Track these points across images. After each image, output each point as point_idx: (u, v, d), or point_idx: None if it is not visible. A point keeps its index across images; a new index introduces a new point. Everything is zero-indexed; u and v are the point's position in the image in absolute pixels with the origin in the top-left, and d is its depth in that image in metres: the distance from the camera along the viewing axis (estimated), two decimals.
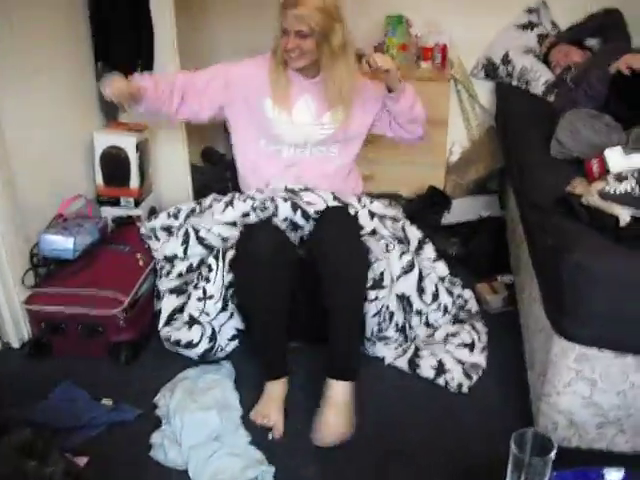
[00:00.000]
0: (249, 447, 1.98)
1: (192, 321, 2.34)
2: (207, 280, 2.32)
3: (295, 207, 2.29)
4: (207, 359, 2.36)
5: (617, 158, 2.02)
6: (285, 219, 2.31)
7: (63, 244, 2.43)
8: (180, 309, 2.42)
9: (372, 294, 2.27)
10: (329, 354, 2.13)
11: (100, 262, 2.49)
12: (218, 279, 2.30)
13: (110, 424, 2.09)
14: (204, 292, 2.32)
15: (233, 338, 2.40)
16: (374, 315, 2.30)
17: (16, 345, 2.48)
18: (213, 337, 2.34)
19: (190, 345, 2.33)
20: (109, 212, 2.88)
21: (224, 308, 2.35)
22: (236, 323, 2.39)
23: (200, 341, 2.32)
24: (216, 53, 3.70)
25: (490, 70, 3.52)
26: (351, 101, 2.38)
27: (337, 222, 2.23)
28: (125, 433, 2.07)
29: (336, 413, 2.03)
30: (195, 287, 2.36)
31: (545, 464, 1.15)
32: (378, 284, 2.27)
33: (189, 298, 2.38)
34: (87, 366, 2.35)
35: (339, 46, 2.30)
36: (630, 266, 1.65)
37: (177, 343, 2.35)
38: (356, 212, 2.35)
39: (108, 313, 2.32)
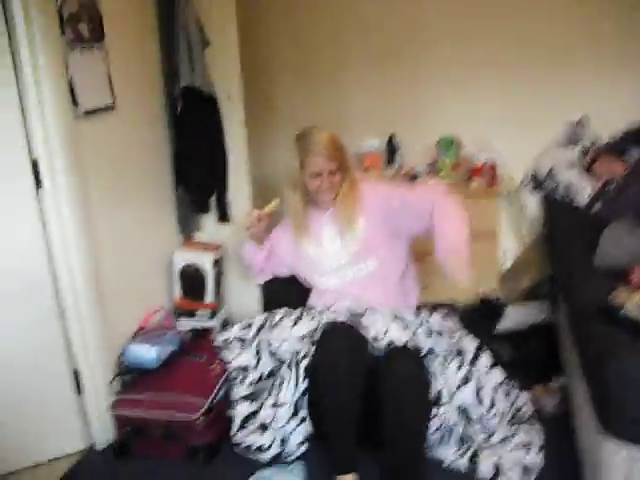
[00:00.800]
0: None
1: (264, 428, 2.52)
2: (279, 389, 2.50)
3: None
4: (277, 463, 2.52)
5: None
6: None
7: (147, 354, 2.67)
8: (253, 415, 2.58)
9: (433, 410, 2.41)
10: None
11: (179, 371, 2.71)
12: (291, 387, 2.47)
13: None
14: (276, 400, 2.50)
15: (302, 443, 2.54)
16: (435, 431, 2.44)
17: (101, 447, 2.68)
18: (283, 443, 2.51)
19: (261, 450, 2.50)
20: (185, 323, 3.12)
21: (295, 414, 2.50)
22: (306, 428, 2.52)
23: (271, 446, 2.50)
24: (278, 168, 4.03)
25: (537, 184, 3.72)
26: (358, 215, 2.64)
27: (403, 366, 2.32)
28: None
29: None
30: (268, 395, 2.54)
31: None
32: (436, 402, 2.43)
33: (262, 406, 2.55)
34: (167, 466, 2.53)
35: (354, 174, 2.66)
36: None
37: (248, 448, 2.52)
38: (420, 350, 2.44)
39: (188, 418, 2.51)
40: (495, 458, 2.43)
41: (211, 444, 2.59)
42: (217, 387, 2.68)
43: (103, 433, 2.67)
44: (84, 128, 2.47)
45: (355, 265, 2.67)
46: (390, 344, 2.39)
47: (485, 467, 2.41)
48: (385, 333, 2.42)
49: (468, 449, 2.50)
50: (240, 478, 2.43)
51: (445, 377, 2.48)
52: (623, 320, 1.99)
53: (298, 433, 2.53)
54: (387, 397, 2.27)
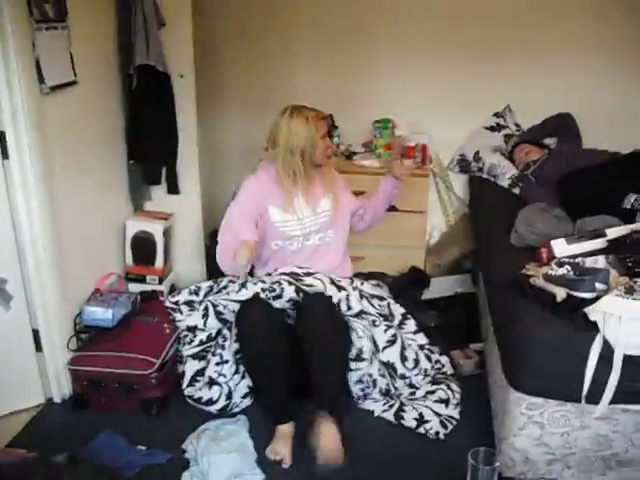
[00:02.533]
0: None
1: (211, 382, 2.78)
2: (223, 348, 2.79)
3: (298, 291, 2.74)
4: (224, 414, 2.78)
5: (561, 246, 2.51)
6: (289, 300, 2.76)
7: (103, 314, 2.86)
8: (201, 372, 2.84)
9: (353, 365, 2.73)
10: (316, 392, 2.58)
11: (133, 330, 2.92)
12: (232, 347, 2.76)
13: (145, 466, 2.46)
14: (221, 357, 2.78)
15: (245, 396, 2.83)
16: (356, 382, 2.77)
17: (58, 400, 2.87)
18: (229, 396, 2.78)
19: (210, 402, 2.77)
20: (136, 287, 3.33)
21: (237, 371, 2.79)
22: (248, 382, 2.80)
23: (219, 399, 2.77)
24: (227, 143, 4.26)
25: (464, 165, 4.04)
26: (334, 187, 2.93)
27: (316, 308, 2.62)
28: (159, 473, 2.44)
29: (329, 439, 2.42)
30: (213, 354, 2.82)
31: (492, 472, 1.59)
32: (358, 358, 2.72)
33: (208, 363, 2.82)
34: (122, 418, 2.74)
35: None
36: (563, 333, 2.10)
37: (199, 400, 2.78)
38: (339, 301, 2.70)
39: (142, 373, 2.73)
40: (418, 411, 2.75)
41: (163, 397, 2.82)
42: (168, 345, 2.90)
43: (61, 388, 2.86)
44: (49, 103, 2.62)
45: (319, 233, 2.91)
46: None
47: (409, 418, 2.72)
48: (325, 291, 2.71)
49: (395, 403, 2.81)
50: (190, 428, 2.66)
51: (371, 336, 2.77)
52: (529, 290, 2.30)
53: (241, 387, 2.81)
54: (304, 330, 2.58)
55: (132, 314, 3.01)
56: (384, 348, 2.81)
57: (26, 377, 2.82)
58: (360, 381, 2.77)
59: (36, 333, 2.79)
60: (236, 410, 2.81)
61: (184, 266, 3.62)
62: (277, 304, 2.72)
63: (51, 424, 2.76)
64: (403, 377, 2.86)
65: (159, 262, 3.35)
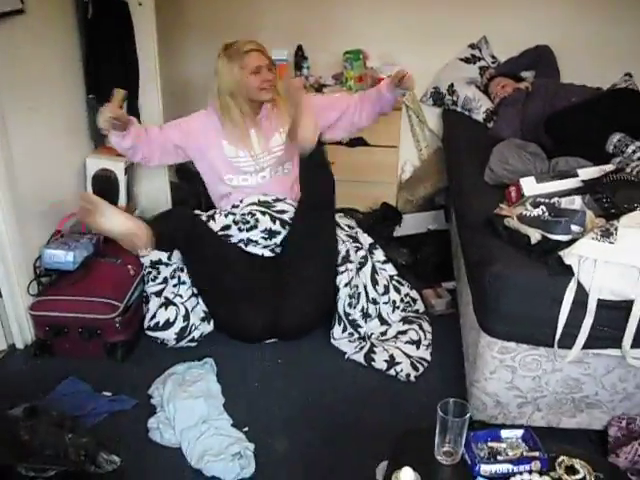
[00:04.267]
0: (231, 428, 2.34)
1: (168, 302, 2.77)
2: (182, 270, 2.79)
3: (273, 218, 2.70)
4: (183, 340, 2.76)
5: (530, 185, 2.42)
6: (264, 229, 2.71)
7: (64, 257, 2.76)
8: (158, 294, 2.83)
9: (342, 268, 2.73)
10: None
11: (96, 273, 2.82)
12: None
13: (111, 413, 2.42)
14: (179, 279, 2.79)
15: (204, 319, 2.82)
16: (345, 285, 2.73)
17: (21, 346, 2.79)
18: (187, 317, 2.76)
19: (167, 324, 2.74)
20: None
21: (194, 294, 2.80)
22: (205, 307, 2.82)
23: (175, 320, 2.74)
24: (192, 74, 4.07)
25: (437, 98, 3.92)
26: (287, 119, 2.82)
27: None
28: (125, 419, 2.40)
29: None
30: (172, 276, 2.80)
31: (463, 423, 1.55)
32: (346, 259, 2.74)
33: (166, 283, 2.80)
34: (87, 364, 2.68)
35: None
36: (537, 277, 2.04)
37: (156, 327, 2.75)
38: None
39: (105, 317, 2.66)
40: (388, 352, 2.71)
41: (128, 341, 2.76)
42: (132, 288, 2.83)
43: (23, 333, 2.79)
44: None
45: (275, 168, 2.89)
46: None
47: (379, 360, 2.68)
48: None
49: (366, 344, 2.77)
50: (156, 373, 2.61)
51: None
52: (503, 231, 2.23)
53: (199, 310, 2.82)
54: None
55: (94, 256, 2.91)
56: (356, 270, 2.81)
57: None
58: (349, 285, 2.73)
59: None
60: (196, 335, 2.78)
61: (149, 204, 3.50)
62: (252, 236, 2.74)
63: (13, 371, 2.70)
64: (375, 302, 2.85)
65: (122, 200, 3.23)
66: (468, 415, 1.57)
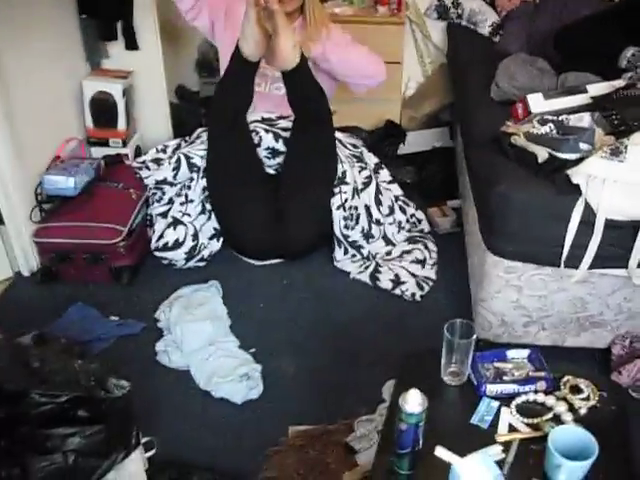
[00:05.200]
0: (238, 350, 2.37)
1: (176, 222, 2.74)
2: (188, 188, 2.75)
3: (277, 137, 2.66)
4: (193, 259, 2.75)
5: (537, 102, 2.35)
6: (267, 148, 2.67)
7: (65, 183, 2.72)
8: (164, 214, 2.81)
9: (336, 189, 2.68)
10: None
11: (98, 198, 2.79)
12: (198, 186, 2.73)
13: (119, 337, 2.44)
14: (186, 197, 2.75)
15: (213, 237, 2.79)
16: (338, 207, 2.68)
17: (26, 274, 2.79)
18: (195, 236, 2.74)
19: (177, 244, 2.72)
20: (99, 152, 3.17)
21: (203, 211, 2.76)
22: (213, 225, 2.78)
23: (184, 240, 2.72)
24: None
25: (442, 11, 3.79)
26: (321, 38, 2.73)
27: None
28: (133, 343, 2.42)
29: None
30: (178, 195, 2.77)
31: (469, 345, 1.56)
32: (341, 180, 2.69)
33: (173, 203, 2.77)
34: (93, 289, 2.69)
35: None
36: (544, 196, 2.02)
37: (165, 246, 2.73)
38: None
39: (109, 242, 2.65)
40: (394, 272, 2.71)
41: (134, 265, 2.76)
42: (136, 211, 2.80)
43: (28, 261, 2.78)
44: None
45: (277, 82, 2.77)
46: None
47: (384, 279, 2.69)
48: None
49: (370, 264, 2.78)
50: (162, 296, 2.62)
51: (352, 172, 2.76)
52: (510, 150, 2.19)
53: (208, 228, 2.78)
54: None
55: (96, 180, 2.87)
56: (361, 190, 2.77)
57: None
58: (343, 207, 2.70)
59: None
60: (205, 253, 2.78)
61: (149, 126, 3.44)
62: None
63: (20, 298, 2.70)
64: (378, 223, 2.82)
65: (121, 124, 3.17)
66: (474, 336, 1.57)
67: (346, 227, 2.73)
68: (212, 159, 2.71)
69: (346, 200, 2.69)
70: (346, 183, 2.70)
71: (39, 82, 2.81)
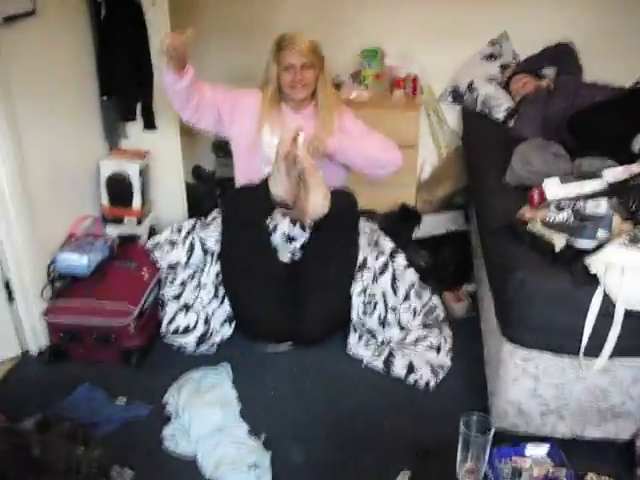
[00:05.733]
0: (248, 437, 2.29)
1: (187, 307, 2.72)
2: (202, 271, 2.74)
3: (294, 222, 2.65)
4: (203, 344, 2.71)
5: (553, 188, 2.35)
6: (283, 233, 2.67)
7: (78, 261, 2.72)
8: (177, 297, 2.78)
9: (358, 275, 2.67)
10: None
11: (110, 277, 2.78)
12: (212, 271, 2.73)
13: (125, 420, 2.38)
14: (199, 282, 2.73)
15: (224, 323, 2.75)
16: (359, 293, 2.67)
17: (35, 352, 2.75)
18: (207, 322, 2.71)
19: (187, 330, 2.69)
20: (114, 229, 3.18)
21: (216, 295, 2.73)
22: (225, 309, 2.75)
23: (196, 325, 2.69)
24: (207, 75, 3.99)
25: (457, 96, 3.85)
26: (333, 128, 2.78)
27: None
28: (139, 427, 2.36)
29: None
30: (191, 278, 2.76)
31: (486, 440, 1.50)
32: (362, 266, 2.69)
33: (185, 286, 2.76)
34: (101, 370, 2.64)
35: (328, 78, 2.80)
36: (562, 284, 1.98)
37: (176, 331, 2.70)
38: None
39: (120, 323, 2.62)
40: (408, 358, 2.65)
41: (143, 347, 2.72)
42: (148, 291, 2.78)
43: (38, 339, 2.74)
44: (4, 36, 2.41)
45: None
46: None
47: (399, 366, 2.63)
48: None
49: (384, 350, 2.72)
50: (171, 379, 2.56)
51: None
52: (526, 237, 2.16)
53: (220, 313, 2.75)
54: None
55: (109, 259, 2.87)
56: (377, 276, 2.75)
57: (0, 329, 2.69)
58: (364, 293, 2.68)
59: (7, 283, 2.65)
60: (216, 339, 2.74)
61: (164, 206, 3.46)
62: (272, 240, 2.72)
63: (28, 377, 2.66)
64: (394, 310, 2.77)
65: (137, 203, 3.19)
66: (492, 432, 1.51)
67: (364, 313, 2.69)
68: (226, 246, 2.71)
69: (367, 286, 2.68)
70: (367, 269, 2.69)
71: (58, 160, 2.86)
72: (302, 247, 2.74)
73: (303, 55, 2.68)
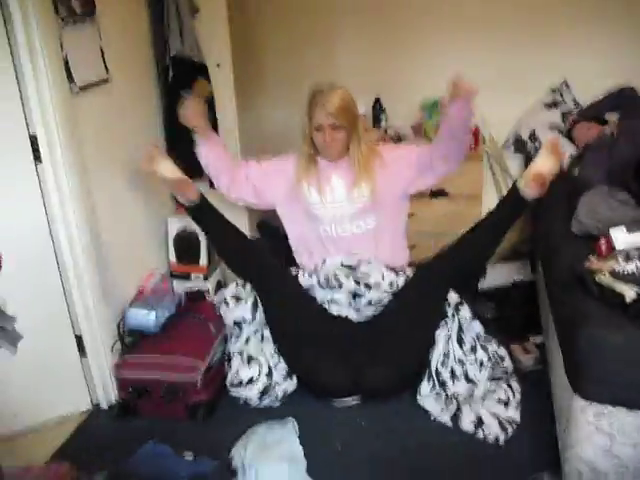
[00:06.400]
0: None
1: (250, 359, 2.74)
2: (266, 327, 2.78)
3: (357, 282, 2.67)
4: (267, 396, 2.72)
5: (621, 236, 2.30)
6: (349, 292, 2.68)
7: (147, 317, 2.79)
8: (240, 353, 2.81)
9: (442, 322, 2.67)
10: None
11: (178, 332, 2.84)
12: None
13: (192, 476, 2.38)
14: (262, 336, 2.77)
15: (287, 377, 2.77)
16: (444, 340, 2.67)
17: (105, 406, 2.82)
18: (270, 374, 2.72)
19: (250, 382, 2.70)
20: (181, 285, 3.25)
21: (277, 351, 2.78)
22: None
23: (259, 377, 2.70)
24: (271, 132, 4.12)
25: (519, 146, 3.82)
26: (374, 174, 2.79)
27: None
28: None
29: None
30: (255, 332, 2.79)
31: None
32: (446, 314, 2.70)
33: (248, 342, 2.79)
34: (168, 425, 2.67)
35: (362, 132, 2.79)
36: (634, 337, 1.92)
37: (239, 384, 2.71)
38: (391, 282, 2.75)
39: (187, 378, 2.66)
40: (476, 412, 2.60)
41: (210, 401, 2.74)
42: (215, 346, 2.82)
43: (107, 393, 2.81)
44: (80, 102, 2.54)
45: (355, 221, 2.84)
46: (392, 284, 2.72)
47: (466, 421, 2.58)
48: (383, 278, 2.71)
49: (452, 403, 2.67)
50: (237, 434, 2.56)
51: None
52: (595, 288, 2.11)
53: (282, 366, 2.77)
54: None
55: (177, 315, 2.93)
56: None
57: (72, 383, 2.79)
58: (447, 341, 2.68)
59: (79, 339, 2.73)
60: (279, 392, 2.74)
61: None
62: (335, 296, 2.75)
63: (97, 431, 2.72)
64: (461, 362, 2.72)
65: (203, 260, 3.26)
66: None
67: (442, 364, 2.67)
68: (270, 315, 2.80)
69: (450, 336, 2.67)
70: (447, 316, 2.71)
71: (126, 219, 2.96)
72: (368, 303, 2.75)
73: (333, 116, 2.69)
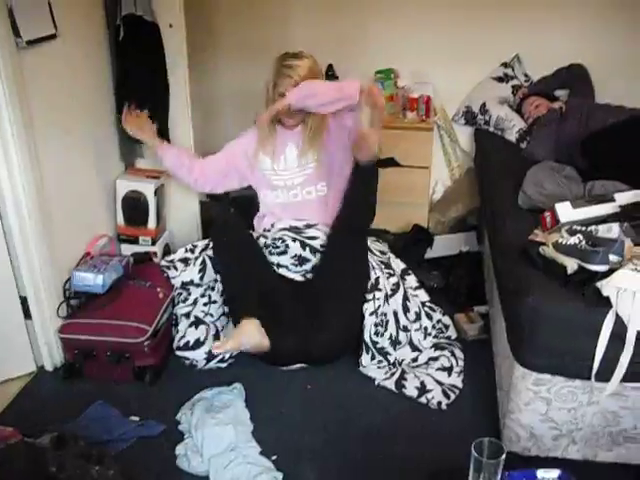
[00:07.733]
0: (260, 457, 2.30)
1: (197, 321, 2.77)
2: (212, 289, 2.80)
3: (304, 245, 2.69)
4: (214, 360, 2.73)
5: (566, 211, 2.35)
6: (294, 256, 2.70)
7: (93, 280, 2.74)
8: (187, 315, 2.84)
9: (369, 295, 2.68)
10: None
11: (125, 296, 2.80)
12: (221, 288, 2.78)
13: (138, 438, 2.39)
14: (209, 298, 2.80)
15: None
16: (371, 313, 2.67)
17: (50, 368, 2.79)
18: (217, 337, 2.75)
19: (197, 344, 2.71)
20: (129, 249, 3.22)
21: (225, 313, 2.81)
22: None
23: (205, 339, 2.72)
24: (221, 93, 4.09)
25: (469, 118, 3.88)
26: (322, 141, 2.82)
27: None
28: (152, 446, 2.37)
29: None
30: (202, 295, 2.82)
31: (497, 465, 1.50)
32: (374, 287, 2.70)
33: (195, 304, 2.81)
34: (115, 388, 2.66)
35: None
36: (574, 308, 1.99)
37: (186, 346, 2.72)
38: None
39: (134, 341, 2.64)
40: (419, 379, 2.66)
41: (157, 365, 2.74)
42: (162, 311, 2.80)
43: (53, 356, 2.78)
44: (27, 58, 2.46)
45: (306, 187, 2.88)
46: None
47: (410, 387, 2.63)
48: None
49: (396, 370, 2.73)
50: (184, 397, 2.58)
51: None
52: (539, 260, 2.17)
53: (230, 329, 2.78)
54: None
55: (124, 278, 2.90)
56: (389, 297, 2.76)
57: (16, 345, 2.73)
58: (376, 313, 2.68)
59: (24, 300, 2.69)
60: (226, 355, 2.74)
61: (178, 225, 3.50)
62: (282, 260, 2.77)
63: (43, 394, 2.69)
64: (405, 329, 2.79)
65: (152, 223, 3.23)
66: (503, 456, 1.52)
67: (376, 333, 2.70)
68: (224, 274, 2.80)
69: (379, 307, 2.69)
70: (379, 289, 2.71)
71: (74, 179, 2.90)
72: (312, 269, 2.78)
73: (299, 83, 2.69)
